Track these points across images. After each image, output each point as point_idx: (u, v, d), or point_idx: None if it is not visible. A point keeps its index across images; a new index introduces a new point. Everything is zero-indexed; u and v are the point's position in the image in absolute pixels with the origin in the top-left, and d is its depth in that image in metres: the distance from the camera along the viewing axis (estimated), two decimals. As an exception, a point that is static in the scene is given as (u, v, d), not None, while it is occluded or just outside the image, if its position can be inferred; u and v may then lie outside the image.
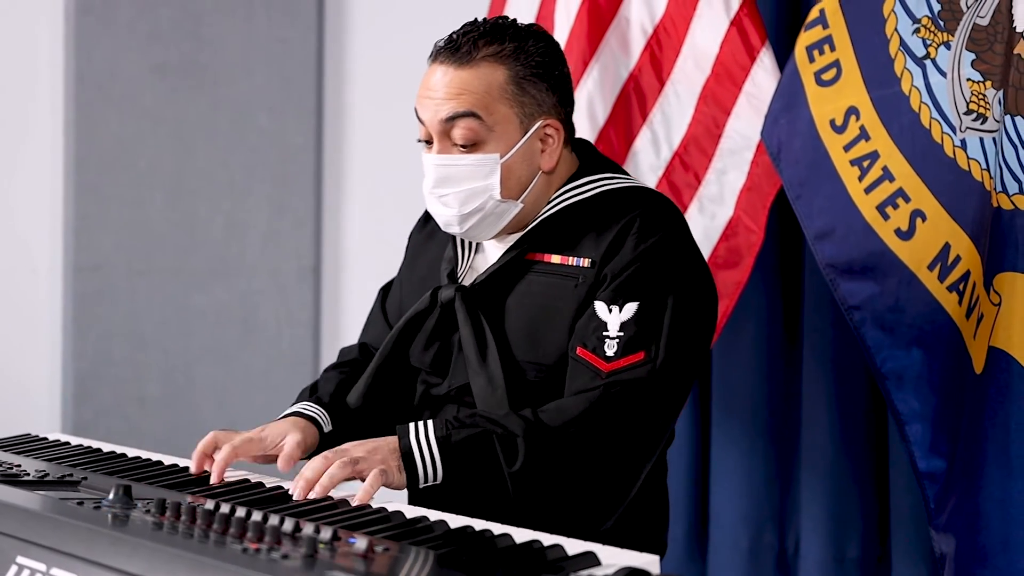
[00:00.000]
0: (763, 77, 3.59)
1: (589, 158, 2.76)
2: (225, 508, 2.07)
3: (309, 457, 2.69)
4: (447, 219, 2.65)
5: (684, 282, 2.59)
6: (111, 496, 2.20)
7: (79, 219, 4.69)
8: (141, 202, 4.75)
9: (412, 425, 2.45)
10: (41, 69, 4.77)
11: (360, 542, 1.92)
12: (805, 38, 3.24)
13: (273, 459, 2.63)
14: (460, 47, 2.60)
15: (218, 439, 2.59)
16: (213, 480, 2.49)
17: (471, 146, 2.60)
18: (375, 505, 2.28)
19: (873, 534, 3.78)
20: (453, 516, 2.21)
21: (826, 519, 3.78)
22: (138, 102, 4.74)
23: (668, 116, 3.74)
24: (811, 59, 3.23)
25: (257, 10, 4.81)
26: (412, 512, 2.22)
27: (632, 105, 3.77)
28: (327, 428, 2.73)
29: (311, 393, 2.83)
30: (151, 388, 4.76)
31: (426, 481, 2.43)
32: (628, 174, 2.77)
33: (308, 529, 1.98)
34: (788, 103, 3.27)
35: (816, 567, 3.79)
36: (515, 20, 2.68)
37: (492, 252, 2.72)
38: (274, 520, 2.00)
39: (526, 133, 2.62)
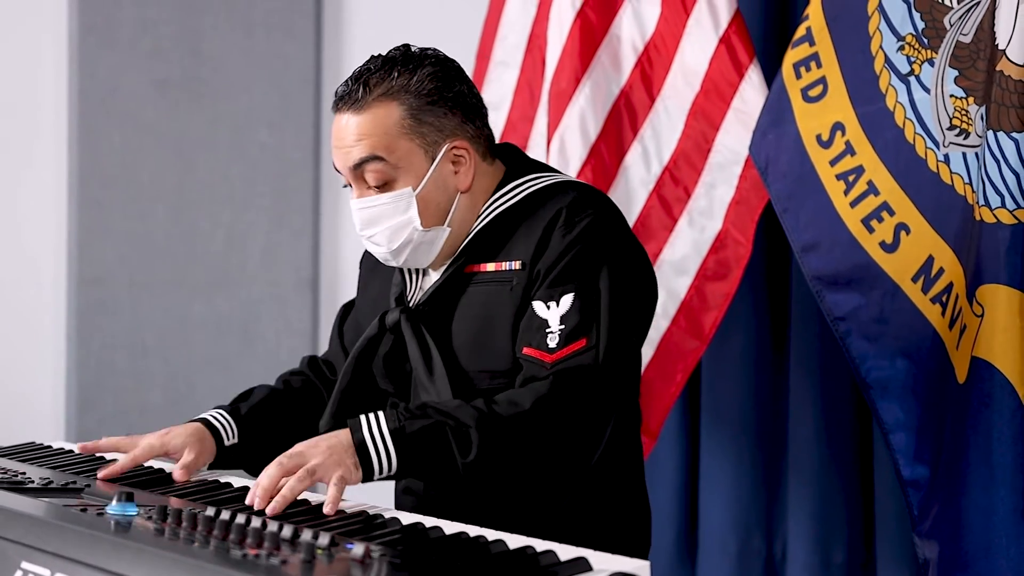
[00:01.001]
0: (751, 93, 3.62)
1: (515, 162, 2.77)
2: (225, 514, 2.09)
3: (212, 468, 2.76)
4: (382, 256, 2.70)
5: (616, 262, 2.60)
6: (114, 502, 2.22)
7: (82, 232, 4.73)
8: (143, 215, 4.79)
9: (364, 418, 2.46)
10: (45, 86, 4.81)
11: (357, 548, 1.94)
12: (792, 55, 3.26)
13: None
14: (353, 92, 2.63)
15: (119, 445, 2.68)
16: (100, 475, 2.57)
17: (383, 185, 2.63)
18: (372, 512, 2.30)
19: (858, 540, 3.80)
20: (448, 522, 2.23)
21: (812, 525, 3.80)
22: (140, 117, 4.78)
23: (658, 131, 3.76)
24: (798, 76, 3.24)
25: (256, 27, 4.85)
26: (408, 518, 2.24)
27: (623, 121, 3.79)
28: (228, 441, 2.77)
29: (241, 399, 2.88)
30: (153, 397, 4.79)
31: (380, 473, 2.44)
32: (556, 171, 2.78)
33: (307, 535, 1.99)
34: (776, 119, 3.29)
35: (803, 572, 3.81)
36: (406, 48, 2.70)
37: (437, 271, 2.74)
38: (273, 526, 2.02)
39: (434, 161, 2.63)
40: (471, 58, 4.10)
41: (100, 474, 2.60)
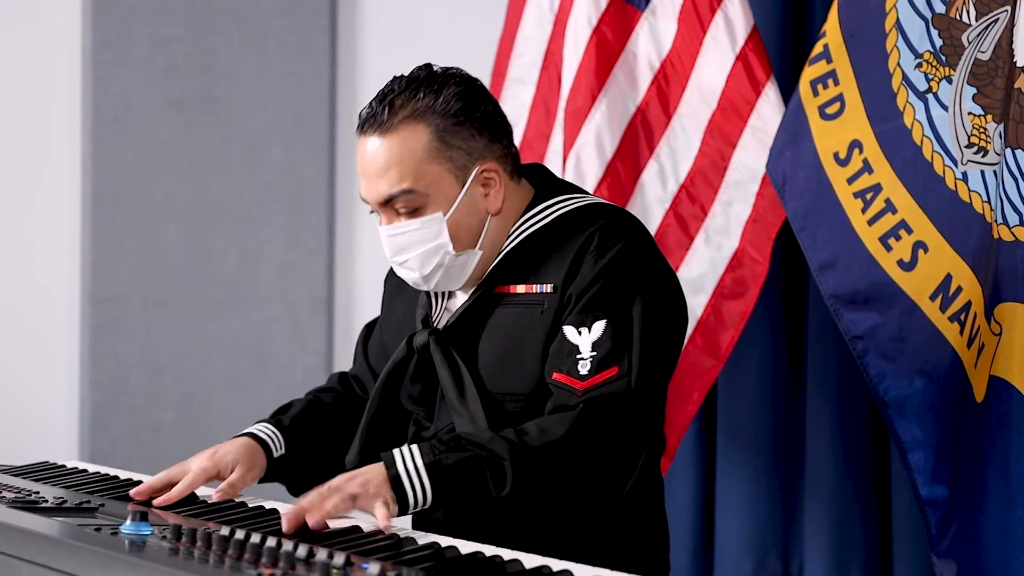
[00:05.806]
0: (768, 111, 3.63)
1: (544, 183, 2.75)
2: (240, 534, 2.09)
3: (261, 482, 2.78)
4: (414, 281, 2.67)
5: (649, 290, 2.58)
6: (128, 522, 2.22)
7: (96, 251, 4.73)
8: (157, 234, 4.78)
9: (397, 452, 2.45)
10: (58, 103, 4.81)
11: (373, 568, 1.93)
12: (809, 72, 3.27)
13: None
14: (378, 114, 2.60)
15: (170, 477, 2.67)
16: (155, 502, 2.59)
17: (414, 211, 2.60)
18: (388, 531, 2.30)
19: (876, 560, 3.79)
20: (464, 542, 2.22)
21: (829, 545, 3.80)
22: (154, 135, 4.78)
23: (675, 149, 3.76)
24: (815, 93, 3.25)
25: (270, 45, 4.85)
26: (424, 538, 2.23)
27: (639, 138, 3.80)
28: (277, 452, 2.78)
29: (280, 411, 2.89)
30: (166, 417, 4.79)
31: (415, 507, 2.44)
32: (585, 193, 2.76)
33: (322, 555, 1.98)
34: (793, 136, 3.29)
35: (820, 592, 3.82)
36: (429, 68, 2.66)
37: (463, 292, 2.72)
38: (288, 546, 2.02)
39: (464, 185, 2.61)
40: (487, 75, 4.10)
41: (156, 501, 2.60)
